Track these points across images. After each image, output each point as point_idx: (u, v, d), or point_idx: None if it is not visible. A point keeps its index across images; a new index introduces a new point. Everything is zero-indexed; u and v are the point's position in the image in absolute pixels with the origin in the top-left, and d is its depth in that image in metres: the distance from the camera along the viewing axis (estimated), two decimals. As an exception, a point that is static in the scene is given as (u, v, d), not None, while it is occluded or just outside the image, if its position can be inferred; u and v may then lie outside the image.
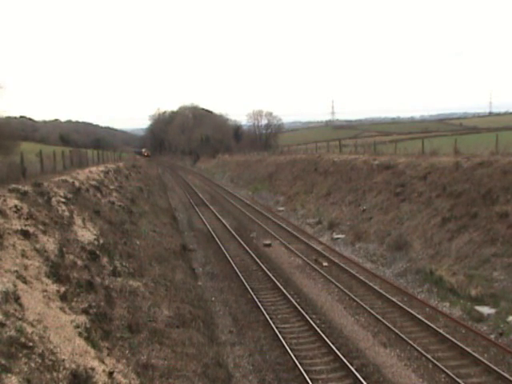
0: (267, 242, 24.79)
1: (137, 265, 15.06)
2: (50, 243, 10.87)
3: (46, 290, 8.79)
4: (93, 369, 7.22)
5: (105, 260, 13.27)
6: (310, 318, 14.36)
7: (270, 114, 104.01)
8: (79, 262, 11.29)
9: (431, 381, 10.95)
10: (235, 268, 19.89)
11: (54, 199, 14.22)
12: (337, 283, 17.73)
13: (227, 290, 17.70)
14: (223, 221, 31.00)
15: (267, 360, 12.17)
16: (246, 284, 17.84)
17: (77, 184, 18.56)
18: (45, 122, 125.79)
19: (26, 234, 10.25)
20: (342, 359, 11.70)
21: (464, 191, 19.18)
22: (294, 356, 11.99)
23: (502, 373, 10.77)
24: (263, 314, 14.92)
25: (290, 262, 21.40)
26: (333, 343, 12.62)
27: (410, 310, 14.75)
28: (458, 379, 10.66)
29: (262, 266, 20.11)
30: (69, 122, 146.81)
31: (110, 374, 7.55)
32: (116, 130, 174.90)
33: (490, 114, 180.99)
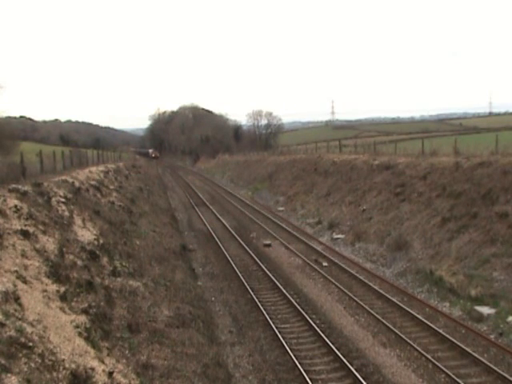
0: (267, 242, 24.79)
1: (137, 265, 15.07)
2: (49, 243, 10.87)
3: (45, 290, 8.79)
4: (93, 369, 7.22)
5: (105, 260, 13.27)
6: (310, 318, 14.36)
7: (270, 114, 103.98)
8: (79, 262, 11.29)
9: (431, 381, 10.95)
10: (235, 268, 19.88)
11: (53, 199, 14.21)
12: (337, 283, 17.73)
13: (227, 290, 17.70)
14: (223, 221, 30.99)
15: (267, 360, 12.17)
16: (245, 284, 17.83)
17: (77, 184, 18.55)
18: (45, 122, 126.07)
19: (25, 234, 10.25)
20: (341, 359, 11.71)
21: (464, 191, 19.18)
22: (294, 356, 12.00)
23: (502, 373, 10.77)
24: (263, 314, 14.92)
25: (289, 262, 21.40)
26: (333, 343, 12.62)
27: (409, 310, 14.75)
28: (457, 379, 10.67)
29: (262, 266, 20.11)
30: (69, 121, 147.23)
31: (110, 374, 7.55)
32: (116, 130, 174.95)
33: (490, 114, 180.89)
